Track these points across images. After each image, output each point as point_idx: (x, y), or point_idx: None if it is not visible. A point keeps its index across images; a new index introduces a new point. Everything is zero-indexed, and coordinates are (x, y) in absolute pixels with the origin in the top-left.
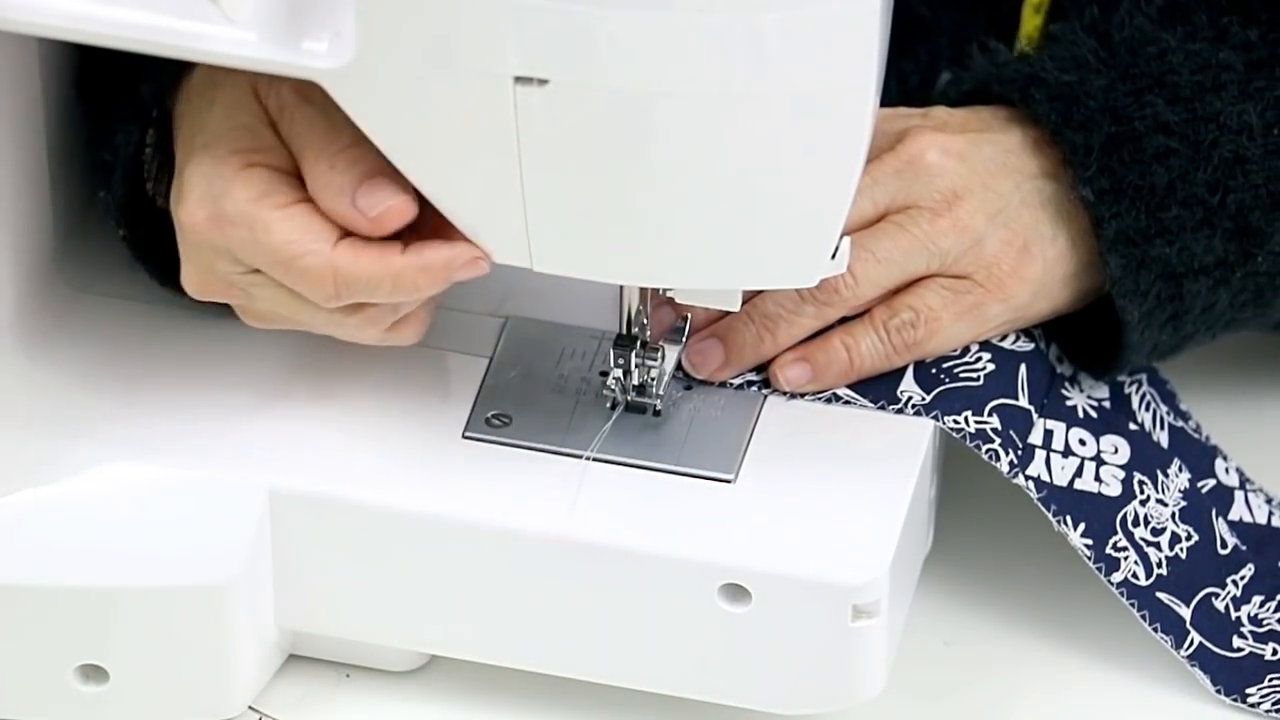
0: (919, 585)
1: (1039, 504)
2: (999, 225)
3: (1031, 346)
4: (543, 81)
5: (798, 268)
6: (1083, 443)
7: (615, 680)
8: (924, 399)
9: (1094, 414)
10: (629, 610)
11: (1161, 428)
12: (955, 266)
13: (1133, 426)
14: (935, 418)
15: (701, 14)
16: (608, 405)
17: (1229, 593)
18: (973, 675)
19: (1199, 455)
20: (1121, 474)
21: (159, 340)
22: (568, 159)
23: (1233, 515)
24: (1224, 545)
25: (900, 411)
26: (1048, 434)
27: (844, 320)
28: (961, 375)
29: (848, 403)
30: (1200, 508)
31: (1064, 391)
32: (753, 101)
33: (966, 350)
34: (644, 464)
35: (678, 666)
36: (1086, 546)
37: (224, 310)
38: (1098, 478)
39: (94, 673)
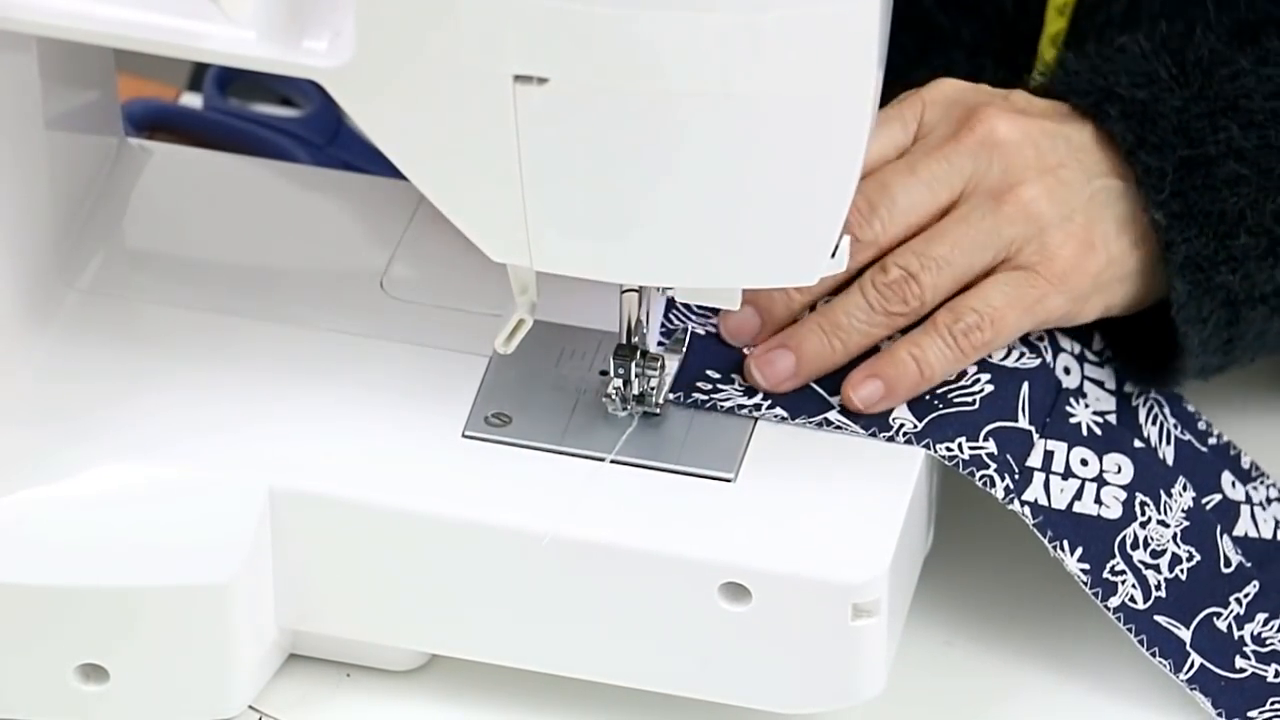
0: (919, 585)
1: (1035, 530)
2: (1065, 215)
3: (1037, 363)
4: (542, 80)
5: (798, 267)
6: (1084, 463)
7: (615, 680)
8: (916, 426)
9: (1099, 430)
10: (629, 609)
11: (1168, 442)
12: (1019, 257)
13: (1137, 444)
14: (926, 446)
15: (701, 13)
16: (610, 412)
17: (1232, 611)
18: (972, 675)
19: (1205, 470)
20: (1123, 495)
21: (159, 340)
22: (567, 158)
23: (1238, 531)
24: (1228, 564)
25: (891, 439)
26: (1048, 455)
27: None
28: (956, 400)
29: (839, 428)
30: (1204, 526)
31: (1068, 408)
32: (752, 100)
33: (964, 373)
34: (644, 463)
35: (678, 666)
36: (1083, 572)
37: (223, 310)
38: (1098, 499)
39: (94, 672)
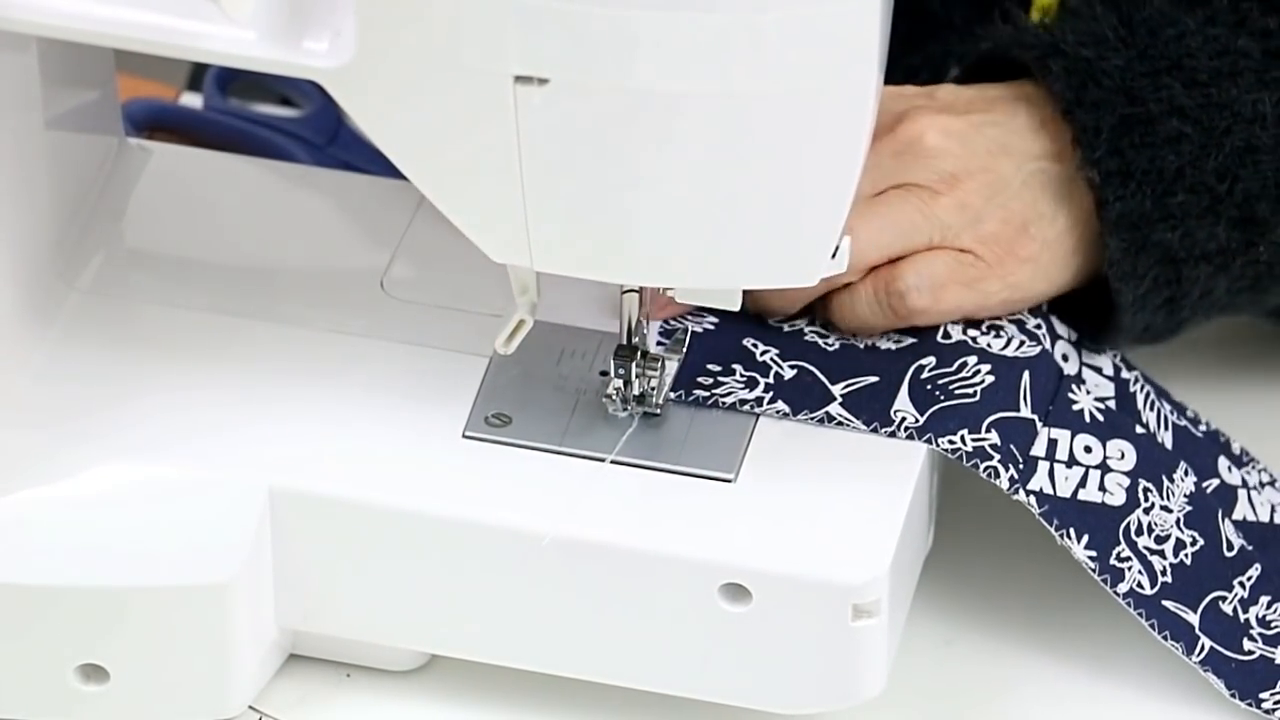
0: (919, 585)
1: (1041, 519)
2: (997, 205)
3: (1037, 350)
4: (543, 81)
5: (798, 267)
6: (1088, 450)
7: (615, 680)
8: (918, 420)
9: (1100, 417)
10: (629, 610)
11: (1165, 428)
12: (956, 241)
13: (1139, 430)
14: (929, 440)
15: (701, 13)
16: (611, 412)
17: (1236, 594)
18: (973, 675)
19: (1202, 455)
20: (1126, 481)
21: (159, 340)
22: (568, 158)
23: (1237, 515)
24: (1230, 547)
25: (893, 434)
26: (1051, 444)
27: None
28: (958, 392)
29: (841, 424)
30: (1206, 511)
31: (1070, 395)
32: (753, 100)
33: (964, 364)
34: (644, 463)
35: (678, 666)
36: (1090, 559)
37: (222, 310)
38: (1102, 486)
39: (94, 673)
